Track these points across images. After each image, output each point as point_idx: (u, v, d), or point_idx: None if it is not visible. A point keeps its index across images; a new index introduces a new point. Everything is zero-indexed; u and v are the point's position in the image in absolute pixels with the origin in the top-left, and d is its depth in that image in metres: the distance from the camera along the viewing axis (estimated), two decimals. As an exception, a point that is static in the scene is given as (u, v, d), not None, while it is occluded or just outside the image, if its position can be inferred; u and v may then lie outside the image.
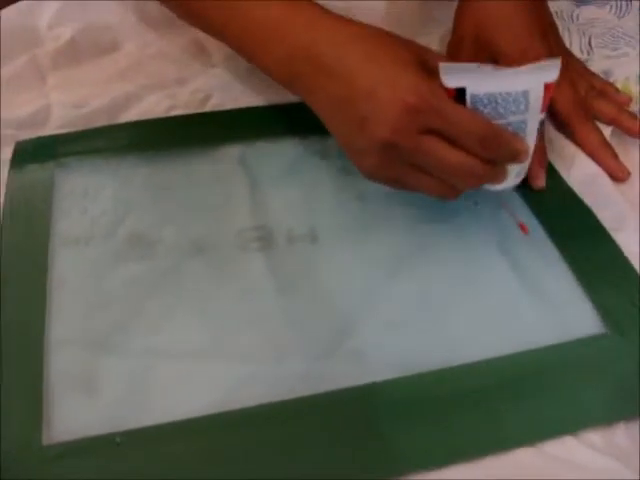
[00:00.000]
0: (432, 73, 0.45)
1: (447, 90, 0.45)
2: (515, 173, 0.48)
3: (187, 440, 0.40)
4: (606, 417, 0.41)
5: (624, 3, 0.69)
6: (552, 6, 0.61)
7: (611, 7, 0.69)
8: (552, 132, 0.58)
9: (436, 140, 0.44)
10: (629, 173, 0.54)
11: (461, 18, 0.59)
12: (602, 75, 0.62)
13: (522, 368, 0.43)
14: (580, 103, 0.57)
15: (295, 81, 0.49)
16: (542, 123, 0.48)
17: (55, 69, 0.65)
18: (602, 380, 0.42)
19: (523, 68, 0.45)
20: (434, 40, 0.67)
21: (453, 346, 0.44)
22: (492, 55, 0.57)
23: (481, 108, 0.45)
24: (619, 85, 0.61)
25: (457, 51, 0.59)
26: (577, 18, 0.69)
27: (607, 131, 0.57)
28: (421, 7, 0.69)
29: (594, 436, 0.40)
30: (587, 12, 0.69)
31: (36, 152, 0.57)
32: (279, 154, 0.57)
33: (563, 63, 0.56)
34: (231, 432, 0.40)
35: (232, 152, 0.57)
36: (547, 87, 0.45)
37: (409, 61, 0.45)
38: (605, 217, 0.51)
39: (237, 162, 0.57)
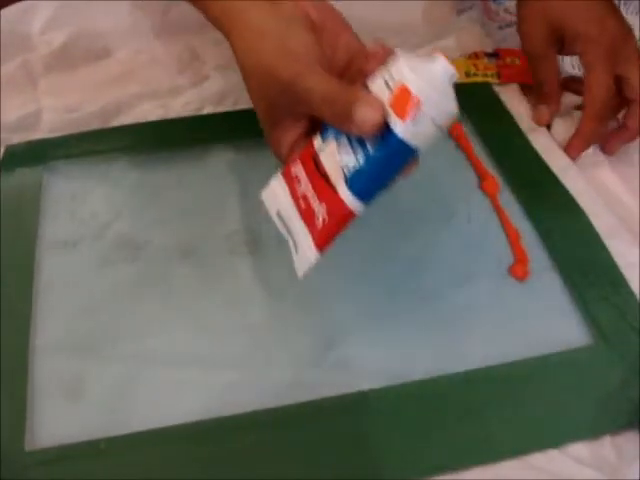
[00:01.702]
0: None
1: None
2: None
3: (172, 447, 0.40)
4: (592, 430, 0.40)
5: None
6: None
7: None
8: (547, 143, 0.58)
9: None
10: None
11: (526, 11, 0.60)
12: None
13: (508, 379, 0.42)
14: (607, 100, 0.56)
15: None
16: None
17: (47, 74, 0.65)
18: (588, 392, 0.42)
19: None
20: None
21: (440, 356, 0.44)
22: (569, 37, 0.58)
23: None
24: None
25: (531, 42, 0.60)
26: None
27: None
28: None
29: (580, 448, 0.40)
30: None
31: (25, 156, 0.57)
32: (269, 157, 0.56)
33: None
34: (216, 439, 0.40)
35: (222, 156, 0.57)
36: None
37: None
38: (597, 227, 0.51)
39: (227, 166, 0.56)
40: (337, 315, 0.46)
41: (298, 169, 0.40)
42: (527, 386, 0.42)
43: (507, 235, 0.51)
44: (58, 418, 0.41)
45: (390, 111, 0.35)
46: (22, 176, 0.55)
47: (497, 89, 0.63)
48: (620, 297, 0.46)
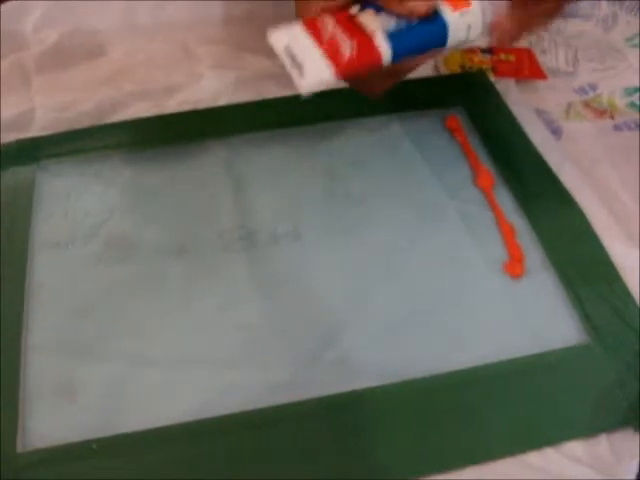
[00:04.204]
0: None
1: None
2: None
3: (166, 447, 0.40)
4: (588, 429, 0.40)
5: (610, 17, 0.69)
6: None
7: (597, 21, 0.70)
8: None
9: None
10: None
11: None
12: (588, 88, 0.62)
13: (504, 377, 0.42)
14: None
15: None
16: None
17: (40, 72, 0.65)
18: (584, 391, 0.42)
19: None
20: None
21: (437, 354, 0.44)
22: None
23: None
24: (605, 98, 0.62)
25: None
26: (563, 31, 0.69)
27: None
28: None
29: (576, 447, 0.40)
30: (573, 25, 0.70)
31: (18, 155, 0.56)
32: (264, 154, 0.56)
33: None
34: (211, 439, 0.40)
35: (216, 152, 0.57)
36: None
37: None
38: (593, 224, 0.50)
39: (221, 162, 0.56)
40: (334, 313, 0.46)
41: (326, 20, 0.42)
42: (523, 384, 0.42)
43: (502, 231, 0.50)
44: (51, 419, 0.41)
45: (443, 2, 0.41)
46: (15, 175, 0.55)
47: (492, 80, 0.62)
48: (616, 295, 0.46)
